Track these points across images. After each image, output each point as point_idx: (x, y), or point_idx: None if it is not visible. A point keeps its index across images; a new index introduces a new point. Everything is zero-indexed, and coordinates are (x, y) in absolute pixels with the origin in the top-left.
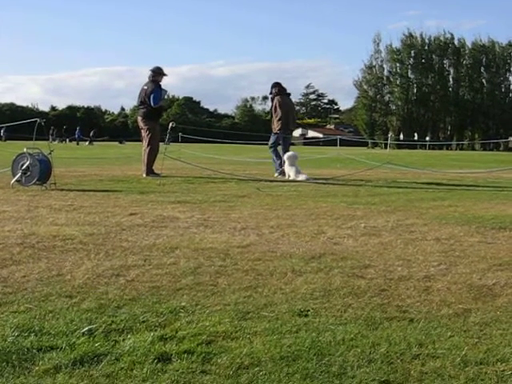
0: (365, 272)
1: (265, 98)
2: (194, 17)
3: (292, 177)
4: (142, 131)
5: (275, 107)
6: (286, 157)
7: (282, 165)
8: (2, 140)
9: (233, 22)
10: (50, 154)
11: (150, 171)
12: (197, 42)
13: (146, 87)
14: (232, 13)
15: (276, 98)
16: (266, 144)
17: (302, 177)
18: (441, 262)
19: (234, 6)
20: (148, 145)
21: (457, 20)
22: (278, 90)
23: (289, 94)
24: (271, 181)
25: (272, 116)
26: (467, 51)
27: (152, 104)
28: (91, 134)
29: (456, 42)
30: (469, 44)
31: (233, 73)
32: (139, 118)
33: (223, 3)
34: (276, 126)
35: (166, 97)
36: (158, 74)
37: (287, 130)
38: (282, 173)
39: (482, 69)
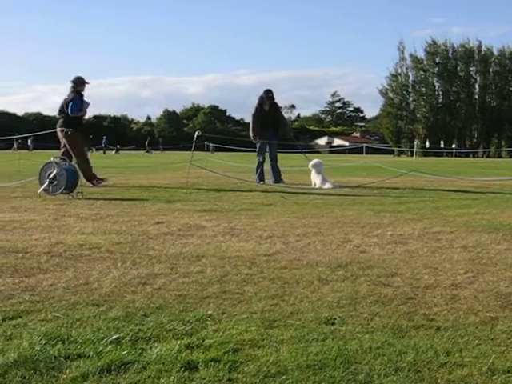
0: (391, 280)
1: (292, 106)
2: (219, 25)
3: (318, 185)
4: (62, 141)
5: (282, 115)
6: (311, 164)
7: None
8: (30, 149)
9: (258, 30)
10: (76, 162)
11: (92, 178)
12: (222, 50)
13: (66, 97)
14: (258, 21)
15: (278, 105)
16: (292, 152)
17: (327, 185)
18: (468, 270)
19: (259, 14)
20: (77, 156)
21: (482, 27)
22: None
23: None
24: (297, 189)
25: (279, 122)
26: (493, 58)
27: (69, 112)
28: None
29: (483, 50)
30: (495, 51)
31: (258, 81)
32: (58, 129)
33: (249, 11)
34: (280, 132)
35: (87, 109)
36: (78, 83)
37: None
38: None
39: (510, 76)
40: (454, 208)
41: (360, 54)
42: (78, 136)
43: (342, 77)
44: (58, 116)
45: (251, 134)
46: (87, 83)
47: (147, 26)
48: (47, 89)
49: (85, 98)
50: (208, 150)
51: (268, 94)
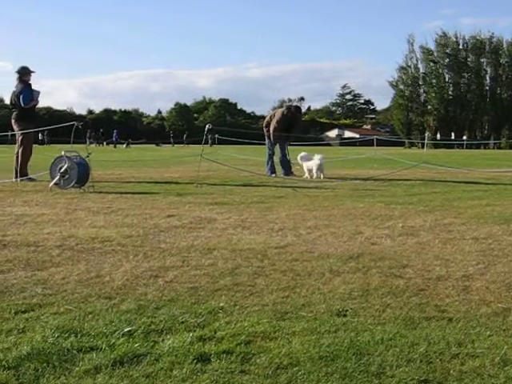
0: (403, 272)
1: (302, 98)
2: (227, 18)
3: (314, 175)
4: (16, 135)
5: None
6: (300, 157)
7: None
8: (45, 143)
9: (266, 24)
10: (87, 156)
11: (22, 174)
12: (231, 43)
13: (15, 89)
14: (266, 14)
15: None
16: (303, 145)
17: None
18: (479, 262)
19: (268, 8)
20: (21, 145)
21: (492, 18)
22: None
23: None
24: (308, 182)
25: (294, 128)
26: (504, 49)
27: (22, 104)
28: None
29: (494, 41)
30: (506, 42)
31: (267, 74)
32: (12, 122)
33: (257, 4)
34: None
35: (39, 98)
36: (24, 73)
37: None
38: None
39: None
40: (465, 200)
41: (370, 47)
42: (30, 128)
43: (351, 69)
44: (11, 110)
45: (272, 137)
46: (33, 72)
47: (156, 19)
48: (57, 83)
49: (33, 87)
50: (214, 143)
51: (297, 112)
